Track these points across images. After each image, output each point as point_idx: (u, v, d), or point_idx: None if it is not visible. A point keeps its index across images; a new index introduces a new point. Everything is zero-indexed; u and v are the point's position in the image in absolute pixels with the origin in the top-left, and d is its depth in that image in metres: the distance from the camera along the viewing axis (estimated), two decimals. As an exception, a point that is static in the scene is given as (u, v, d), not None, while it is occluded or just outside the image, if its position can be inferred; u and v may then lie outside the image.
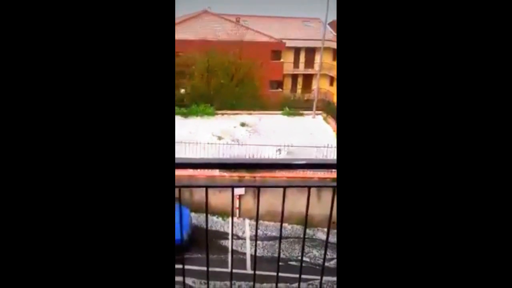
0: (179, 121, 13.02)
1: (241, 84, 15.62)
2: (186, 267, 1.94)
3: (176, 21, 21.57)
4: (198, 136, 10.96)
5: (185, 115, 13.59)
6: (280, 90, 20.92)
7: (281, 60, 21.42)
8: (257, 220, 2.14)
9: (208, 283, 1.93)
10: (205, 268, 1.72)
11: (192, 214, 8.07)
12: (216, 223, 8.53)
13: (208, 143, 10.13)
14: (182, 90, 15.63)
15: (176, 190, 1.43)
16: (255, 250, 2.46)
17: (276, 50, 20.91)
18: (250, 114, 14.04)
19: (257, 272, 1.86)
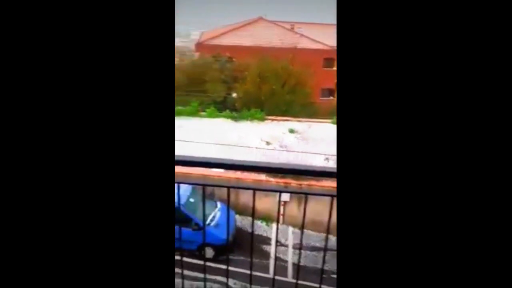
0: (229, 124, 13.30)
1: (292, 90, 15.60)
2: (228, 268, 1.97)
3: (232, 27, 22.18)
4: (247, 140, 11.11)
5: (236, 119, 13.86)
6: (332, 98, 20.55)
7: (334, 68, 21.05)
8: (302, 228, 2.11)
9: (250, 287, 1.94)
10: (245, 271, 1.73)
11: (237, 216, 8.18)
12: (260, 227, 8.56)
13: (256, 148, 10.23)
14: (234, 95, 15.98)
15: (225, 190, 1.47)
16: (299, 259, 2.43)
17: (329, 58, 20.62)
18: (300, 121, 13.94)
19: (298, 282, 1.84)
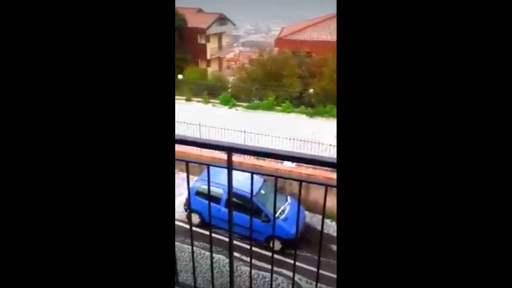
0: (304, 120, 13.23)
1: (372, 87, 14.86)
2: (295, 263, 2.00)
3: (312, 22, 21.85)
4: (321, 136, 10.94)
5: (311, 115, 13.71)
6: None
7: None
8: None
9: (316, 285, 1.94)
10: (311, 268, 1.74)
11: (306, 212, 8.15)
12: (329, 226, 8.41)
13: (329, 145, 10.02)
14: (311, 90, 15.79)
15: (295, 186, 1.50)
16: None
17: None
18: (379, 119, 13.23)
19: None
